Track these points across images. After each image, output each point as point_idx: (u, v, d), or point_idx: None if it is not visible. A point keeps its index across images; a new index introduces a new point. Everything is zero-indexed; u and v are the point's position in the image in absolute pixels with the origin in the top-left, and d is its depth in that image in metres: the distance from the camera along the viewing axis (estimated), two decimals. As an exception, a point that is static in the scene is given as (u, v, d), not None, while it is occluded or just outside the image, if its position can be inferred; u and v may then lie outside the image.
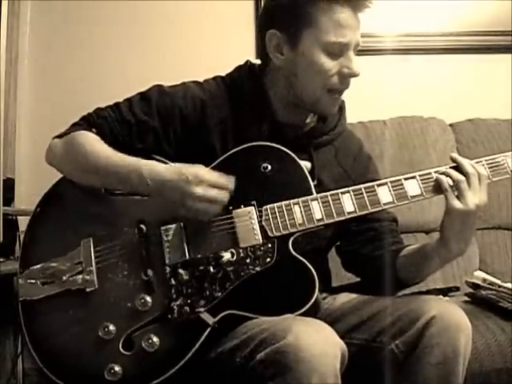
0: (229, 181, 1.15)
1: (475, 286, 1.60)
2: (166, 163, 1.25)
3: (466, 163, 1.18)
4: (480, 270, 1.93)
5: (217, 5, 2.31)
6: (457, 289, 1.59)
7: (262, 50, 1.31)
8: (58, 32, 2.29)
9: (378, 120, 2.15)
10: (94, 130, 1.28)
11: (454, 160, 1.20)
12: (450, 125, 2.20)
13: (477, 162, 1.20)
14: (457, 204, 1.14)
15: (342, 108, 1.39)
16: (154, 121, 1.27)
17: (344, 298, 1.33)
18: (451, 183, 1.17)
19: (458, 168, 1.18)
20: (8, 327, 1.91)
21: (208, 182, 1.13)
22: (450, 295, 1.60)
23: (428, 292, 1.48)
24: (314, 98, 1.26)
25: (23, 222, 1.77)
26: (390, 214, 1.38)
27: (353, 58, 1.23)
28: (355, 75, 1.24)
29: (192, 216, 1.16)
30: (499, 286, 1.55)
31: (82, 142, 1.25)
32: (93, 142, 1.25)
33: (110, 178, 1.21)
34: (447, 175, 1.17)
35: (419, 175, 1.20)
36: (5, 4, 2.03)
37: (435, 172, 1.20)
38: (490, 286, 1.57)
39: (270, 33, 1.27)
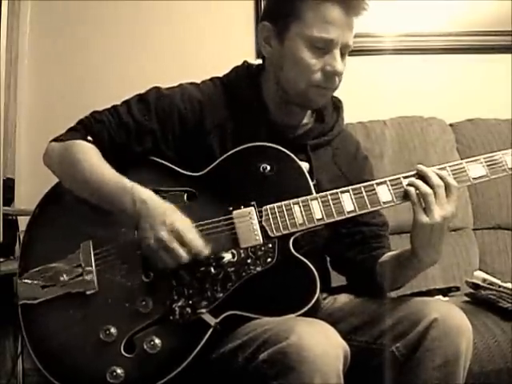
0: (200, 247, 1.13)
1: (475, 285, 1.60)
2: (165, 165, 1.25)
3: (432, 175, 1.15)
4: (480, 270, 1.92)
5: (217, 5, 2.31)
6: (457, 289, 1.59)
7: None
8: (58, 32, 2.28)
9: (378, 120, 2.15)
10: (90, 138, 1.25)
11: (420, 172, 1.16)
12: (450, 125, 2.20)
13: (475, 160, 1.20)
14: (423, 218, 1.13)
15: (339, 108, 1.39)
16: (152, 123, 1.27)
17: (344, 298, 1.33)
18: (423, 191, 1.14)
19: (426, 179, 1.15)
20: (8, 327, 1.91)
21: (179, 235, 1.11)
22: (450, 295, 1.60)
23: (428, 292, 1.49)
24: (299, 90, 1.25)
25: (23, 222, 1.76)
26: (381, 218, 1.37)
27: (337, 56, 1.22)
28: (337, 74, 1.23)
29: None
30: (499, 286, 1.55)
31: (79, 155, 1.23)
32: (89, 157, 1.23)
33: (102, 200, 1.19)
34: (415, 186, 1.15)
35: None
36: (5, 4, 2.02)
37: (404, 178, 1.18)
38: (490, 286, 1.56)
39: (262, 24, 1.27)
